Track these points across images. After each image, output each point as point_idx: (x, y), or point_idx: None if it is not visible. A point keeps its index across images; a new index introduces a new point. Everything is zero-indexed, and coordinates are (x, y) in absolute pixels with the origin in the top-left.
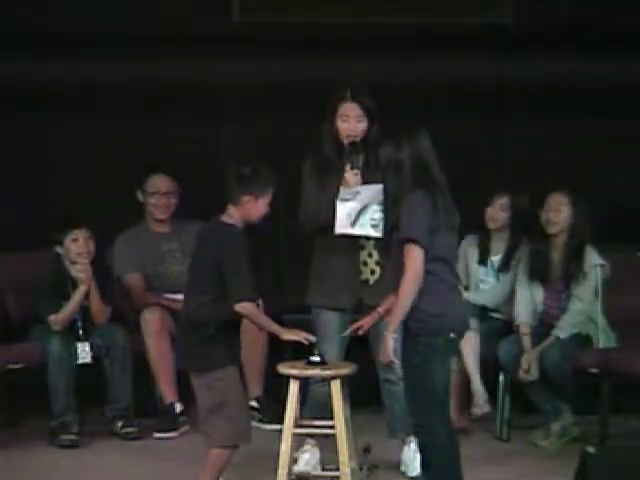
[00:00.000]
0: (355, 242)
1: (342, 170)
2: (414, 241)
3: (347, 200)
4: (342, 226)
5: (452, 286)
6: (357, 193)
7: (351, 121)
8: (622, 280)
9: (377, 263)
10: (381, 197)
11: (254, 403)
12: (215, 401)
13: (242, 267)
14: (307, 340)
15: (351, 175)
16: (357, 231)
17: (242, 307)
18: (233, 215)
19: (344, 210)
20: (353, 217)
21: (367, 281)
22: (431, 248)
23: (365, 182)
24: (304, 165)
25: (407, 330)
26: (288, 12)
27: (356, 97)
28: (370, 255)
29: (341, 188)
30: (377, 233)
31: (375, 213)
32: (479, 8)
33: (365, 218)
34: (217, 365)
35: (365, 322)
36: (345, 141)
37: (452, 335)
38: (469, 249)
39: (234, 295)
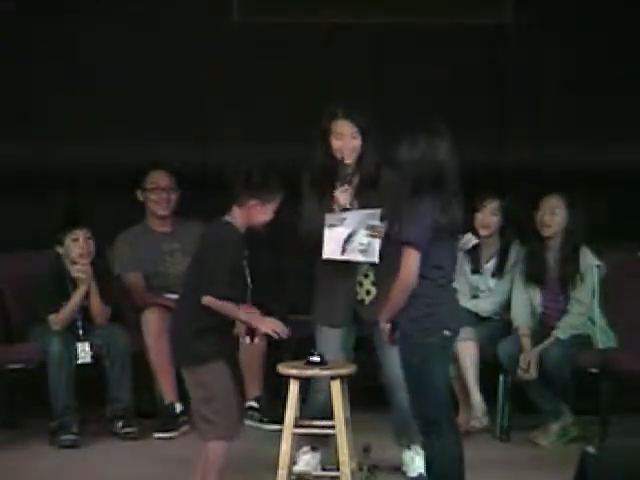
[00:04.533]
0: (352, 263)
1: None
2: (413, 245)
3: (334, 226)
4: (330, 252)
5: (445, 287)
6: (343, 219)
7: (345, 139)
8: (622, 280)
9: (373, 284)
10: (368, 222)
11: (254, 403)
12: (205, 395)
13: (219, 265)
14: (277, 334)
15: (340, 193)
16: (346, 257)
17: (206, 300)
18: (236, 216)
19: (332, 236)
20: (341, 243)
21: (362, 301)
22: (430, 256)
23: (359, 202)
24: (303, 177)
25: (401, 332)
26: (288, 12)
27: (349, 114)
28: (366, 276)
29: (327, 215)
30: (365, 258)
31: (363, 238)
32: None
33: (353, 244)
34: (205, 360)
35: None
36: (339, 157)
37: (446, 333)
38: (461, 258)
39: (203, 288)
